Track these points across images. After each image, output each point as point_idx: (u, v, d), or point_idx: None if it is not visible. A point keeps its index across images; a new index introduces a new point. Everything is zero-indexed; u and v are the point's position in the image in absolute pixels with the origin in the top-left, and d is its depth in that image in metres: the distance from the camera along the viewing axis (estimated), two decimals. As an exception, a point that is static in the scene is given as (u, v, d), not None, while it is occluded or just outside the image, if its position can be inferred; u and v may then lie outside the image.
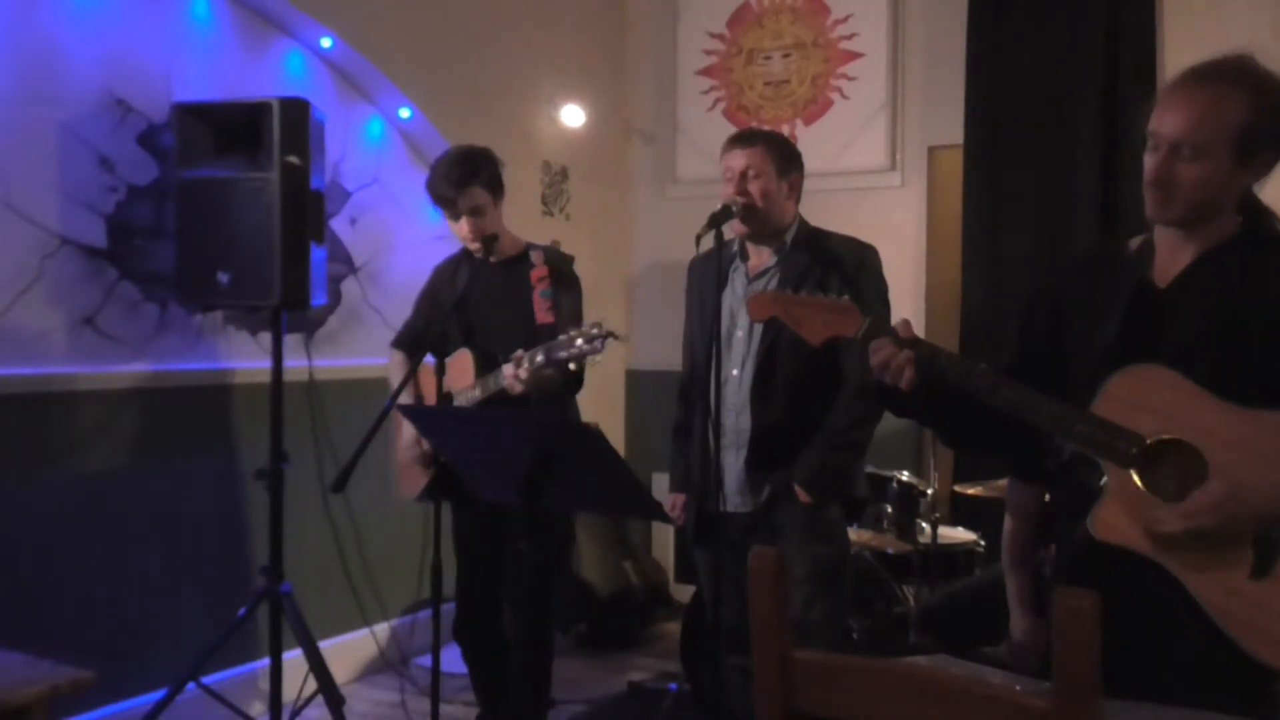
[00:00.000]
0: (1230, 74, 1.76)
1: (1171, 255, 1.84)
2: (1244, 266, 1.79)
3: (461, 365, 3.12)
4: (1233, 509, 1.65)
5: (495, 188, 3.19)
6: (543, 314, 3.05)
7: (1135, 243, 1.92)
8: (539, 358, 2.79)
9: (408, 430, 3.18)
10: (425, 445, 3.16)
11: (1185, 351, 1.74)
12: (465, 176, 3.12)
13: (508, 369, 2.86)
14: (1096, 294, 1.89)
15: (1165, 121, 1.77)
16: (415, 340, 3.36)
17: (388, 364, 3.44)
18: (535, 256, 3.20)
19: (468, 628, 3.34)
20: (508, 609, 3.33)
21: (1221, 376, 1.69)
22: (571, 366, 2.80)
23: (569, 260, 3.27)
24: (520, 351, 2.84)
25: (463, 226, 3.16)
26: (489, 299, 3.19)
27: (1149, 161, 1.79)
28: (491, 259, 3.15)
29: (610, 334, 2.73)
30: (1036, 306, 2.03)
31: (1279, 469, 1.65)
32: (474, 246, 3.17)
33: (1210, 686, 1.69)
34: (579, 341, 2.72)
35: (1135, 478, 1.71)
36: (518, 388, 2.86)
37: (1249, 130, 1.73)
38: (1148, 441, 1.71)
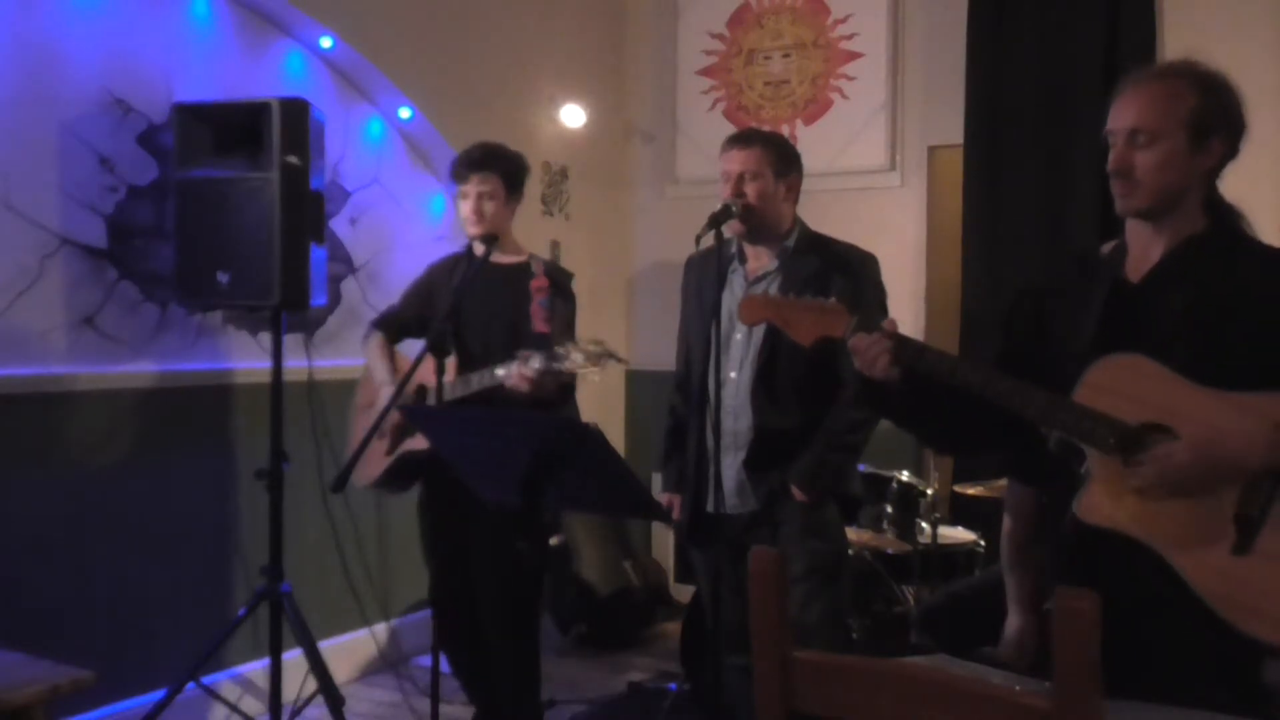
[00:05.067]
0: (1175, 69, 1.89)
1: (1142, 252, 1.92)
2: (1213, 260, 1.86)
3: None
4: (1204, 450, 1.70)
5: (512, 185, 3.25)
6: (540, 323, 3.08)
7: (1108, 246, 2.01)
8: (536, 364, 2.82)
9: (371, 416, 3.18)
10: (389, 433, 3.19)
11: (1161, 342, 1.80)
12: (487, 159, 3.20)
13: (514, 367, 2.86)
14: (1073, 295, 1.96)
15: (1119, 117, 1.88)
16: (397, 328, 3.39)
17: (364, 343, 3.42)
18: (536, 266, 3.22)
19: (450, 634, 3.30)
20: (486, 610, 3.31)
21: (1196, 364, 1.75)
22: (564, 377, 2.83)
23: (569, 276, 3.29)
24: (526, 351, 2.86)
25: (466, 206, 3.18)
26: (482, 298, 3.19)
27: (1110, 157, 1.88)
28: (491, 260, 3.15)
29: (611, 354, 2.76)
30: (1018, 312, 2.10)
31: (1249, 419, 1.71)
32: (474, 231, 3.17)
33: (1201, 675, 1.73)
34: (576, 356, 2.75)
35: (1118, 463, 1.77)
36: (524, 387, 2.88)
37: (1199, 114, 1.83)
38: (1129, 427, 1.76)
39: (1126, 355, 1.80)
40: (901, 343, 1.89)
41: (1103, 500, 1.78)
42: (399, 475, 3.27)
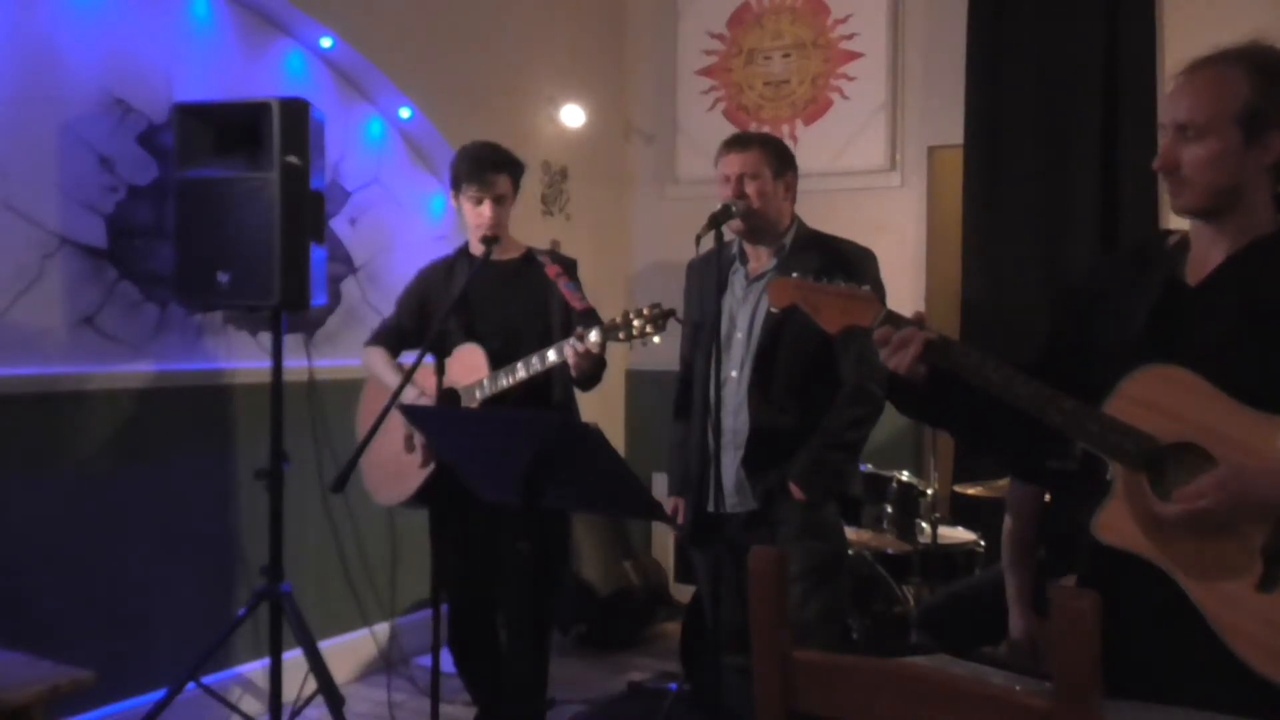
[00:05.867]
0: (1233, 56, 1.74)
1: (1204, 253, 1.78)
2: (1277, 266, 1.72)
3: (468, 361, 3.11)
4: (1235, 489, 1.58)
5: (517, 185, 3.26)
6: (577, 302, 3.05)
7: (1173, 239, 1.88)
8: (596, 337, 2.78)
9: (395, 433, 3.17)
10: (420, 446, 3.16)
11: (1209, 352, 1.68)
12: (501, 162, 3.20)
13: (569, 345, 2.83)
14: (1127, 291, 1.84)
15: (1169, 110, 1.75)
16: (397, 339, 3.36)
17: (365, 358, 3.41)
18: (542, 257, 3.22)
19: (463, 635, 3.33)
20: (503, 611, 3.32)
21: (1245, 379, 1.63)
22: (629, 345, 2.79)
23: (573, 263, 3.29)
24: (581, 329, 2.84)
25: (484, 211, 3.16)
26: (496, 298, 3.19)
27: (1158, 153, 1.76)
28: (492, 258, 3.15)
29: (671, 313, 2.73)
30: (1069, 301, 2.00)
31: None
32: (489, 235, 3.15)
33: (1201, 675, 1.65)
34: (636, 322, 2.72)
35: (1144, 481, 1.67)
36: (584, 364, 2.85)
37: (1254, 106, 1.69)
38: (1160, 444, 1.66)
39: (1167, 367, 1.67)
40: (929, 336, 1.79)
41: (1122, 520, 1.68)
42: (434, 488, 3.17)
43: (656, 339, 2.72)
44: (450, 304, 3.05)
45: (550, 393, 3.13)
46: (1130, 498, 1.68)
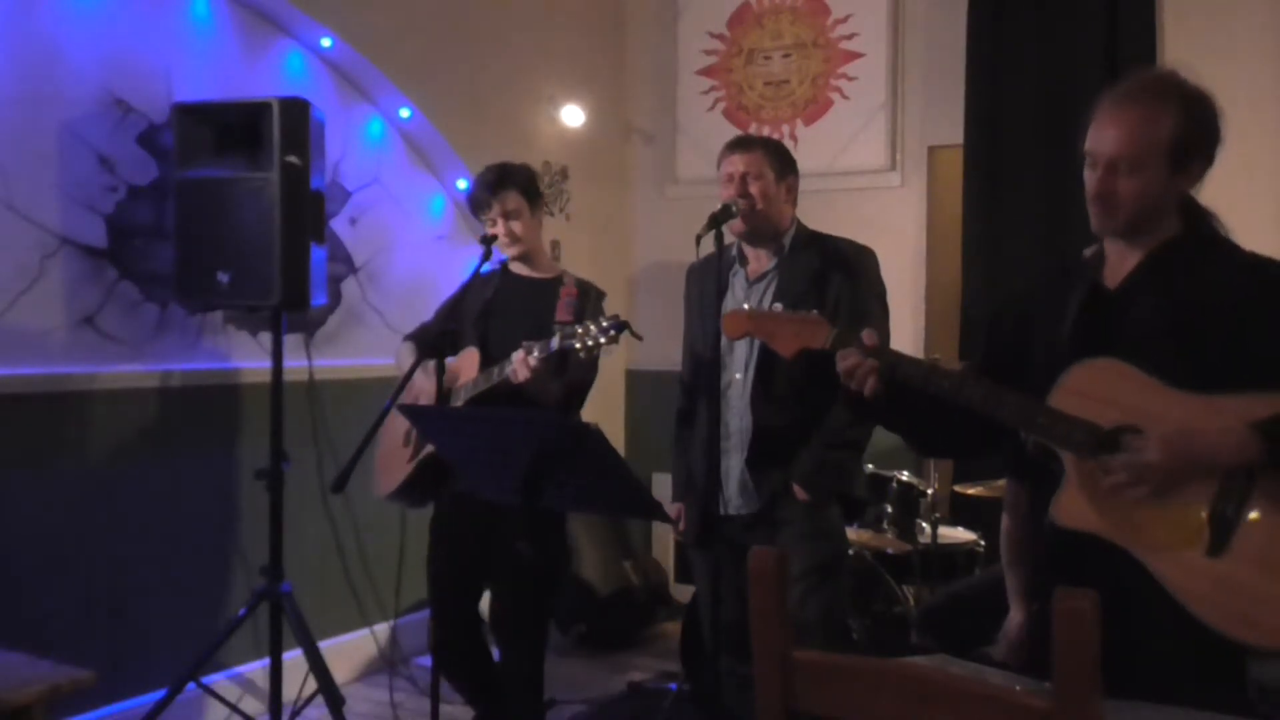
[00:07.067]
0: (1158, 90, 1.87)
1: (1120, 259, 1.94)
2: (1187, 264, 1.88)
3: (467, 362, 3.12)
4: (1178, 445, 1.70)
5: (532, 195, 3.25)
6: (562, 313, 3.06)
7: (1089, 252, 2.03)
8: (552, 343, 2.79)
9: (399, 425, 3.18)
10: (413, 441, 3.17)
11: (1136, 347, 1.82)
12: (501, 179, 3.19)
13: (517, 355, 2.85)
14: (1053, 301, 1.99)
15: (1101, 141, 1.87)
16: (427, 341, 3.37)
17: (397, 354, 3.42)
18: (568, 279, 3.23)
19: (446, 644, 3.23)
20: (495, 615, 3.30)
21: (1171, 368, 1.77)
22: (581, 354, 2.78)
23: (601, 294, 3.26)
24: (529, 341, 2.84)
25: (500, 230, 3.18)
26: (512, 312, 3.19)
27: (1089, 178, 1.89)
28: (523, 274, 3.19)
29: (625, 324, 2.73)
30: (1003, 316, 2.15)
31: (1221, 418, 1.71)
32: (512, 252, 3.19)
33: (1194, 674, 1.74)
34: (591, 329, 2.71)
35: (1091, 465, 1.79)
36: (523, 373, 2.84)
37: (1180, 141, 1.83)
38: (1103, 430, 1.78)
39: (1102, 359, 1.82)
40: (881, 356, 1.95)
41: (1078, 503, 1.80)
42: (420, 484, 3.19)
43: (614, 348, 2.73)
44: (449, 309, 3.06)
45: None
46: (1082, 482, 1.81)
